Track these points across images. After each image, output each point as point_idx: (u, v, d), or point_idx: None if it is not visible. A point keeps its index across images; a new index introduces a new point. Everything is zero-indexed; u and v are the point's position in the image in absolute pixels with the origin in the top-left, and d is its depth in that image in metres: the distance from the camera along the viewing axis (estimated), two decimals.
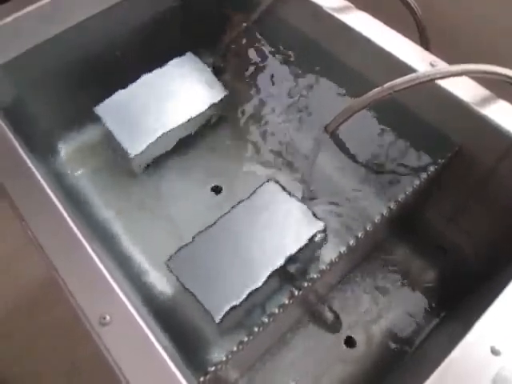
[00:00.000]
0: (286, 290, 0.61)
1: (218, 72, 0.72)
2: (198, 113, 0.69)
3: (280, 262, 0.57)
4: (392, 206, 0.52)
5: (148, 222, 0.67)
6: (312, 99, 0.68)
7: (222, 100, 0.70)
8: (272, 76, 0.72)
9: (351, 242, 0.51)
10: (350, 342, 0.62)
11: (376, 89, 0.47)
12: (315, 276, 0.50)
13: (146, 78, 0.70)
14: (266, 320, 0.45)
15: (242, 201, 0.62)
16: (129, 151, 0.64)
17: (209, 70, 0.72)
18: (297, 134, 0.71)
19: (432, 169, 0.52)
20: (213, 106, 0.70)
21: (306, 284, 0.50)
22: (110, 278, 0.42)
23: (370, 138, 0.59)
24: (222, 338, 0.57)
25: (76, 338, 0.74)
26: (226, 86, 0.71)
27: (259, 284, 0.56)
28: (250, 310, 0.59)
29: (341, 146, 0.58)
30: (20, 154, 0.51)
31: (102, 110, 0.67)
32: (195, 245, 0.58)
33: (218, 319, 0.53)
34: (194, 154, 0.73)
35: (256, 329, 0.44)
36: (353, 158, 0.61)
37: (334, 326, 0.62)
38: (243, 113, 0.75)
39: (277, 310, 0.46)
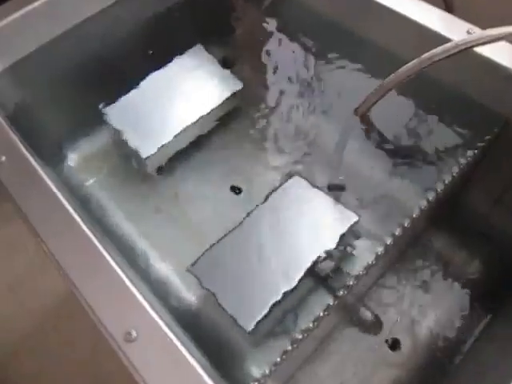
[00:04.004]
0: (319, 292, 0.57)
1: (230, 64, 0.68)
2: (211, 109, 0.64)
3: (312, 261, 0.53)
4: (431, 198, 0.48)
5: (167, 227, 0.62)
6: (335, 86, 0.63)
7: (235, 93, 0.66)
8: (288, 64, 0.67)
9: (388, 242, 0.46)
10: (393, 345, 0.57)
11: (411, 62, 0.43)
12: (351, 283, 0.46)
13: (154, 76, 0.66)
14: (311, 325, 0.40)
15: (266, 199, 0.57)
16: (141, 153, 0.60)
17: (218, 63, 0.67)
18: (319, 125, 0.66)
19: (476, 148, 0.47)
20: (226, 100, 0.66)
21: (341, 292, 0.45)
22: (134, 290, 0.38)
23: (404, 119, 0.54)
24: (254, 349, 0.52)
25: (99, 351, 0.71)
26: (239, 78, 0.67)
27: (291, 287, 0.51)
28: (282, 317, 0.54)
29: (372, 130, 0.53)
30: (33, 166, 0.47)
31: (110, 112, 0.63)
32: (219, 248, 0.54)
33: (249, 329, 0.49)
34: (209, 152, 0.68)
35: (300, 336, 0.39)
36: (386, 143, 0.56)
37: (374, 328, 0.58)
38: (259, 106, 0.71)
39: (321, 313, 0.41)
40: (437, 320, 0.57)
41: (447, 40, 0.47)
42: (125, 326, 0.37)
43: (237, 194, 0.66)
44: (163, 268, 0.58)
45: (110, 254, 0.43)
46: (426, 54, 0.41)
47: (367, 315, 0.57)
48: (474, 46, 0.42)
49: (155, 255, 0.60)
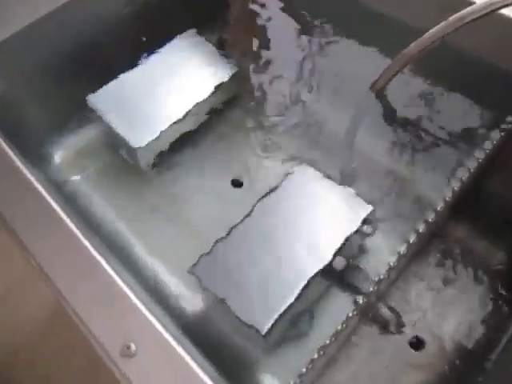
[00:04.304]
0: (333, 290, 0.52)
1: (224, 48, 0.63)
2: (207, 95, 0.59)
3: (327, 257, 0.48)
4: (464, 178, 0.42)
5: (164, 226, 0.57)
6: (341, 65, 0.58)
7: (232, 79, 0.61)
8: (289, 45, 0.62)
9: (421, 229, 0.41)
10: (417, 345, 0.52)
11: (436, 27, 0.38)
12: (381, 277, 0.41)
13: (144, 62, 0.61)
14: (340, 327, 0.35)
15: (272, 191, 0.52)
16: (133, 144, 0.55)
17: (213, 47, 0.62)
18: (325, 109, 0.61)
19: (510, 123, 0.42)
20: (222, 86, 0.60)
21: (371, 288, 0.40)
22: (131, 295, 0.33)
23: (425, 98, 0.49)
24: (271, 356, 0.47)
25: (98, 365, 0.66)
26: (235, 62, 0.62)
27: (305, 285, 0.46)
28: (297, 318, 0.49)
29: (389, 110, 0.48)
30: (15, 164, 0.43)
31: (96, 100, 0.57)
32: (223, 246, 0.49)
33: (264, 331, 0.44)
34: (206, 143, 0.63)
35: (328, 341, 0.34)
36: (404, 125, 0.51)
37: (395, 327, 0.53)
38: (257, 91, 0.65)
39: (351, 314, 0.36)
40: (463, 316, 0.53)
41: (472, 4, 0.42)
42: (122, 338, 0.32)
43: (238, 187, 0.61)
44: (162, 271, 0.53)
45: (103, 256, 0.38)
46: (457, 15, 0.36)
47: (387, 314, 0.52)
48: (506, 6, 0.37)
49: (153, 257, 0.55)
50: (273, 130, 0.63)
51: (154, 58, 0.61)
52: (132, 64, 0.60)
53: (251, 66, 0.65)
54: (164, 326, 0.32)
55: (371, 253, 0.53)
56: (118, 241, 0.55)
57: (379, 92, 0.42)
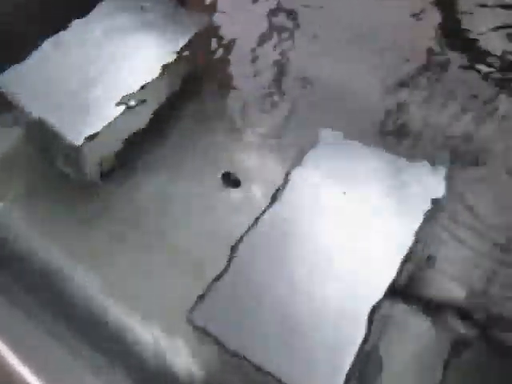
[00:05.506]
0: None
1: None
2: (165, 66, 0.43)
3: (394, 268, 0.31)
4: None
5: (133, 259, 0.40)
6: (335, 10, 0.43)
7: (195, 39, 0.45)
8: None
9: None
10: None
11: None
12: None
13: (74, 28, 0.44)
14: None
15: (286, 182, 0.37)
16: (73, 140, 0.37)
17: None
18: (323, 63, 0.45)
19: None
20: (184, 50, 0.45)
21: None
22: None
23: None
24: None
25: None
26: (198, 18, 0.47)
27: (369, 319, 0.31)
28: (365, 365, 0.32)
29: (454, 23, 0.31)
30: None
31: (10, 85, 0.40)
32: (233, 276, 0.33)
33: None
34: (176, 132, 0.47)
35: None
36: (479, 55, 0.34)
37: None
38: (231, 52, 0.50)
39: None
40: None
41: None
42: None
43: (234, 187, 0.44)
44: (139, 329, 0.35)
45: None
46: None
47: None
48: None
49: (121, 311, 0.37)
50: (263, 102, 0.47)
51: (86, 21, 0.44)
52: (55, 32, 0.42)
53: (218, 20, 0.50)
54: None
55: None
56: (65, 293, 0.36)
57: None
